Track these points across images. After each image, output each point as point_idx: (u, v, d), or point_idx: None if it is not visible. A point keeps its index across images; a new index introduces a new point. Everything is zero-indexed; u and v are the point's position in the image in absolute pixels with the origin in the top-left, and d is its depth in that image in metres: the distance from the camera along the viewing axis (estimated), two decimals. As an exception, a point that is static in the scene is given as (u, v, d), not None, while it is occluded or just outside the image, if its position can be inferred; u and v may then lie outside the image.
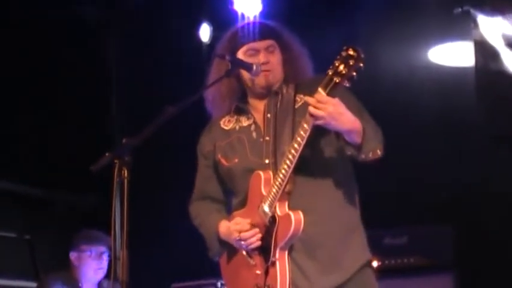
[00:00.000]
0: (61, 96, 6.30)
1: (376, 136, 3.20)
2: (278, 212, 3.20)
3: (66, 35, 6.31)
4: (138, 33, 6.45)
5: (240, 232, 3.26)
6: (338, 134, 3.17)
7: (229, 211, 3.47)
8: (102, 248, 5.10)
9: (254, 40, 3.36)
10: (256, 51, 3.35)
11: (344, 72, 2.99)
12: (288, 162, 3.13)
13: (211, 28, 6.27)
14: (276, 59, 3.36)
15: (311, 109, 3.04)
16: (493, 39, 5.49)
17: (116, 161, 3.07)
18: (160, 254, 6.07)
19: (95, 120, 6.52)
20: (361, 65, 2.99)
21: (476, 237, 5.37)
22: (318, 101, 3.03)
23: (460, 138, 5.47)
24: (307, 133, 3.08)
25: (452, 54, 5.73)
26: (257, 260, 3.28)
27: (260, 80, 3.34)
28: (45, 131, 6.22)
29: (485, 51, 5.49)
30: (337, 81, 3.00)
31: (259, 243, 3.25)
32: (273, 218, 3.20)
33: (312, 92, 3.12)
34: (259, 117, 3.38)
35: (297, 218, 3.16)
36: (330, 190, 3.27)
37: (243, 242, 3.26)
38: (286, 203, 3.21)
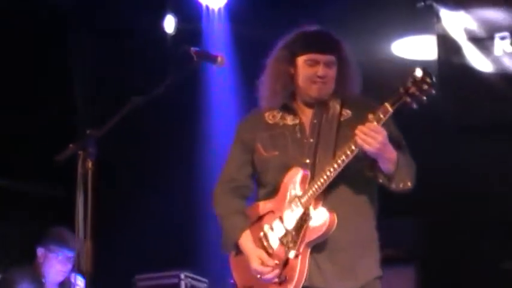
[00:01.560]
0: (25, 86, 6.25)
1: (409, 168, 3.36)
2: (312, 209, 3.32)
3: (29, 25, 6.25)
4: (102, 24, 6.41)
5: (262, 264, 3.37)
6: (373, 162, 3.30)
7: (252, 199, 3.57)
8: (71, 254, 5.05)
9: (317, 51, 3.42)
10: (316, 63, 3.42)
11: (416, 94, 3.12)
12: (335, 166, 3.26)
13: (176, 20, 6.27)
14: (332, 74, 3.44)
15: (362, 136, 3.17)
16: (455, 33, 5.54)
17: (80, 152, 3.07)
18: (124, 245, 6.06)
19: (60, 111, 6.47)
20: (433, 92, 3.12)
21: (440, 229, 5.43)
22: (371, 130, 3.17)
23: (423, 130, 5.52)
24: (353, 153, 3.24)
25: (415, 48, 5.78)
26: (278, 250, 3.38)
27: (313, 91, 3.44)
28: (10, 122, 6.16)
29: (447, 45, 5.55)
30: (407, 100, 3.14)
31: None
32: (306, 214, 3.32)
33: (359, 109, 3.37)
34: (305, 120, 3.48)
35: (332, 219, 3.29)
36: (358, 203, 3.43)
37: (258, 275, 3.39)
38: (321, 203, 3.33)
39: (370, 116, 3.20)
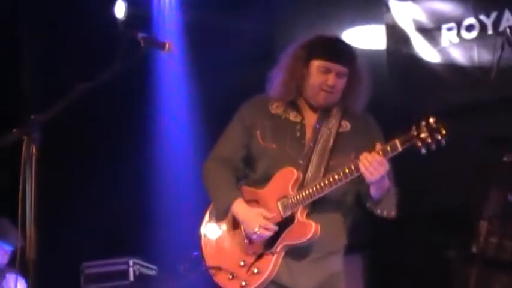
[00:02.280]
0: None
1: (395, 199, 3.50)
2: (299, 215, 3.41)
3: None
4: (50, 8, 6.33)
5: (264, 218, 3.43)
6: (365, 187, 3.39)
7: (241, 179, 3.63)
8: (8, 247, 5.03)
9: (332, 60, 3.46)
10: (328, 71, 3.46)
11: (427, 141, 3.17)
12: (331, 180, 3.33)
13: (126, 4, 6.22)
14: (341, 85, 3.49)
15: (366, 163, 3.24)
16: (404, 24, 5.59)
17: (24, 137, 3.03)
18: (71, 232, 6.01)
19: (4, 96, 6.38)
20: (444, 143, 3.16)
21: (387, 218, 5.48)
22: (376, 161, 3.24)
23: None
24: (353, 175, 3.31)
25: (364, 37, 5.82)
26: (255, 242, 3.45)
27: (319, 98, 3.51)
28: None
29: (396, 35, 5.60)
30: (417, 144, 3.19)
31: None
32: (292, 218, 3.40)
33: (358, 124, 3.52)
34: (307, 121, 3.54)
35: (316, 231, 3.38)
36: (339, 215, 3.54)
37: (257, 230, 3.42)
38: (306, 211, 3.41)
39: (378, 147, 3.27)
